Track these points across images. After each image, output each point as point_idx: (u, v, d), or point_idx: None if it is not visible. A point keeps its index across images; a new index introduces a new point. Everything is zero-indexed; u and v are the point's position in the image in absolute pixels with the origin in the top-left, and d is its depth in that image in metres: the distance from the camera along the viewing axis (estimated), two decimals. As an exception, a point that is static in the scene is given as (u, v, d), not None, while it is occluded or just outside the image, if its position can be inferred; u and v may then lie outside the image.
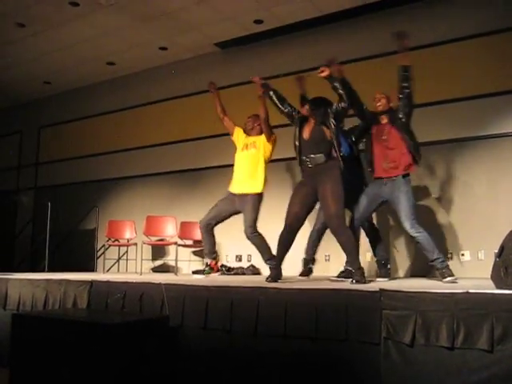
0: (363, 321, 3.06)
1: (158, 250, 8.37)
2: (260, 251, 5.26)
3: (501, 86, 6.02)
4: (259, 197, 5.24)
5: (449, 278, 4.26)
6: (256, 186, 5.23)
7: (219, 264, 6.42)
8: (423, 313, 2.87)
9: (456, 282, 4.19)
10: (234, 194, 5.32)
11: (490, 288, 3.02)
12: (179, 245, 7.20)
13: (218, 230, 7.95)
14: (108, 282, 4.50)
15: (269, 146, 5.34)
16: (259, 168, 5.28)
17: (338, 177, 4.40)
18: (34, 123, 10.58)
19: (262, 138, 5.33)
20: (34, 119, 10.57)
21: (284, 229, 4.54)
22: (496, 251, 3.23)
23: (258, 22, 7.36)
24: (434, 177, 6.30)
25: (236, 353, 3.51)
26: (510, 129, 5.96)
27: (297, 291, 3.47)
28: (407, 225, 4.43)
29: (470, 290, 2.84)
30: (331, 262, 6.76)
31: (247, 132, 5.54)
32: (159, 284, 4.01)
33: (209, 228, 5.42)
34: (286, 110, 4.85)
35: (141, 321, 3.73)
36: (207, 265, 5.44)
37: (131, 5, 6.88)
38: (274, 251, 4.75)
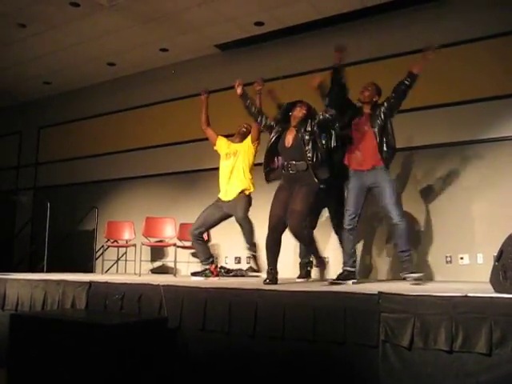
0: (361, 323, 3.06)
1: (157, 252, 8.37)
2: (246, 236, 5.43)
3: (502, 90, 6.03)
4: (248, 198, 5.41)
5: (415, 275, 4.41)
6: (243, 189, 5.39)
7: (218, 266, 6.49)
8: (422, 316, 2.86)
9: (421, 280, 4.37)
10: (223, 201, 5.48)
11: (489, 292, 3.01)
12: (178, 246, 7.20)
13: (218, 232, 7.96)
14: (107, 283, 4.50)
15: (252, 150, 5.47)
16: (241, 174, 5.42)
17: (315, 186, 4.51)
18: (33, 123, 10.57)
19: (245, 144, 5.48)
20: (34, 119, 10.56)
21: (268, 232, 4.61)
22: (495, 255, 3.24)
23: (259, 24, 7.36)
24: (434, 179, 6.30)
25: (234, 354, 3.51)
26: (510, 133, 5.97)
27: (295, 293, 3.47)
28: (395, 212, 4.49)
29: (469, 294, 2.84)
30: (330, 263, 6.76)
31: (232, 139, 5.69)
32: (158, 285, 4.01)
33: (197, 236, 5.52)
34: (264, 121, 4.94)
35: (139, 322, 3.73)
36: (207, 268, 5.53)
37: (132, 6, 6.89)
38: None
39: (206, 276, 5.43)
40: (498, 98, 6.04)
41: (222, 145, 5.71)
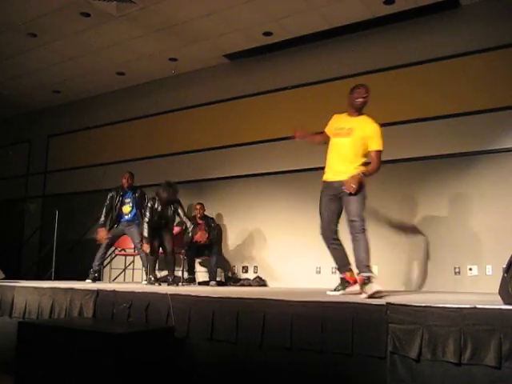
0: (369, 334, 3.04)
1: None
2: None
3: (509, 101, 6.02)
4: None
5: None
6: None
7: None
8: (430, 327, 2.84)
9: None
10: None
11: (498, 303, 2.99)
12: (186, 255, 7.20)
13: (227, 241, 7.98)
14: (114, 292, 4.49)
15: None
16: None
17: None
18: (43, 132, 10.66)
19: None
20: (44, 128, 10.65)
21: None
22: (504, 266, 3.21)
23: (267, 34, 7.40)
24: (442, 190, 6.28)
25: (241, 364, 3.50)
26: (519, 143, 5.96)
27: (303, 303, 3.45)
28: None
29: (478, 306, 2.82)
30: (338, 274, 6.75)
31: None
32: (165, 294, 4.01)
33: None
34: None
35: (146, 331, 3.72)
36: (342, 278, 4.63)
37: (141, 16, 6.94)
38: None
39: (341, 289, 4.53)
40: (509, 109, 6.03)
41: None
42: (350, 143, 4.38)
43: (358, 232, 4.22)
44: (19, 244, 10.22)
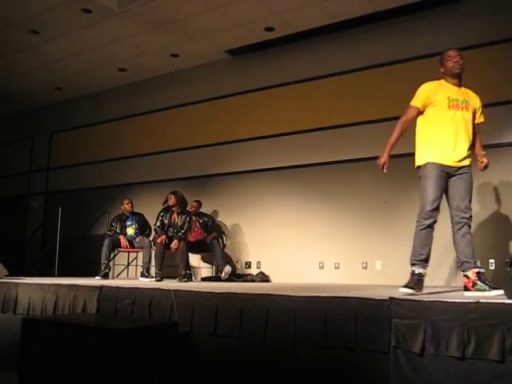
0: (372, 329, 3.05)
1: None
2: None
3: (510, 95, 5.99)
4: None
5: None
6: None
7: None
8: (433, 322, 2.85)
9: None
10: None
11: (501, 298, 2.99)
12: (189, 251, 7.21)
13: (229, 237, 7.97)
14: (117, 288, 4.51)
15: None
16: None
17: None
18: (45, 129, 10.66)
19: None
20: (46, 125, 10.65)
21: None
22: (507, 260, 3.22)
23: (269, 29, 7.38)
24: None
25: (245, 359, 3.51)
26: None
27: (306, 299, 3.46)
28: None
29: (481, 300, 2.82)
30: (341, 269, 6.76)
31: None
32: (168, 290, 4.02)
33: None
34: None
35: (150, 327, 3.74)
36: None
37: (143, 12, 6.93)
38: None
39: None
40: (510, 103, 6.00)
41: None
42: (470, 119, 4.02)
43: None
44: (22, 241, 10.24)
